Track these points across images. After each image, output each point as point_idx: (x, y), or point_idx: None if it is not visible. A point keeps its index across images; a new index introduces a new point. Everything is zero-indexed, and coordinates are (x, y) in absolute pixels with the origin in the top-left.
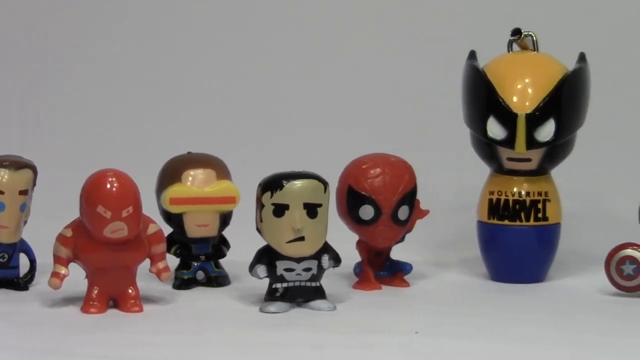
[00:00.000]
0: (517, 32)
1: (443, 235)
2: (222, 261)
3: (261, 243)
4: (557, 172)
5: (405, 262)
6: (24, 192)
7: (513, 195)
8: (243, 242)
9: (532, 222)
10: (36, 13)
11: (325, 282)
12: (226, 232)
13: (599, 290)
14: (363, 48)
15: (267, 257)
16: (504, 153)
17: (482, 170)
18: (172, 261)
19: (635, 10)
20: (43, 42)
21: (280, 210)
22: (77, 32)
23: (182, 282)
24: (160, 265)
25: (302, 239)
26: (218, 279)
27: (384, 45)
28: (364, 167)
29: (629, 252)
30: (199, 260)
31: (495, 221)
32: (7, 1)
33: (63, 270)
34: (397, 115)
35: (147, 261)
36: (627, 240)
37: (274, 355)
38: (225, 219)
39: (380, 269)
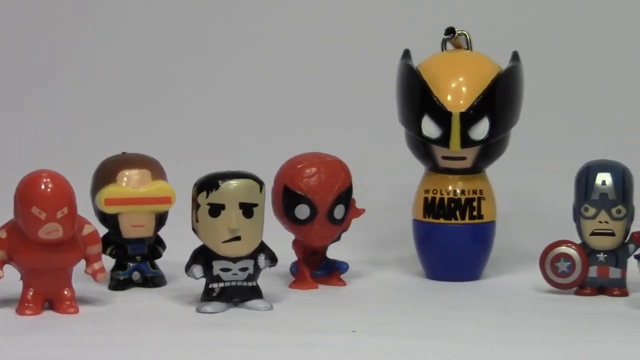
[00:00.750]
0: (450, 31)
1: (379, 234)
2: (158, 261)
3: (197, 243)
4: (492, 171)
5: (342, 261)
6: None
7: (448, 193)
8: (179, 242)
9: (467, 220)
10: None
11: (262, 281)
12: (162, 233)
13: (534, 287)
14: (302, 45)
15: (203, 257)
16: (439, 152)
17: (417, 169)
18: (108, 262)
19: (566, 8)
20: None
21: (216, 210)
22: (7, 32)
23: (118, 283)
24: (96, 266)
25: (238, 238)
26: (154, 280)
27: (321, 43)
28: (299, 166)
29: (563, 249)
30: (134, 261)
31: (431, 220)
32: None
33: None
34: (333, 114)
35: (83, 262)
36: (562, 238)
37: (211, 356)
38: (160, 219)
39: (317, 268)
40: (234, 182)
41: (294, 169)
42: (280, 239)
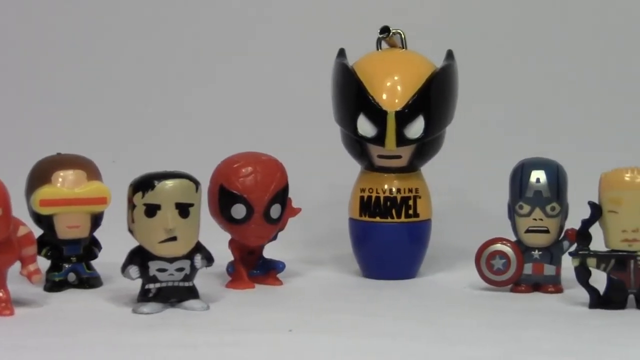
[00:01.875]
0: (385, 29)
1: (315, 233)
2: (93, 262)
3: (133, 244)
4: (427, 169)
5: (278, 260)
6: None
7: (384, 192)
8: (114, 243)
9: (403, 219)
10: None
11: (198, 281)
12: (97, 233)
13: (470, 285)
14: (236, 44)
15: (139, 257)
16: (375, 150)
17: (353, 168)
18: (43, 263)
19: (498, 7)
20: None
21: (151, 210)
22: None
23: (54, 284)
24: (31, 267)
25: (174, 239)
26: (90, 281)
27: (255, 42)
28: (235, 166)
29: (498, 247)
30: (70, 262)
31: (367, 218)
32: None
33: None
34: (269, 113)
35: (18, 264)
36: (497, 236)
37: (147, 356)
38: (96, 220)
39: (253, 267)
40: (169, 182)
41: (230, 168)
42: (217, 239)
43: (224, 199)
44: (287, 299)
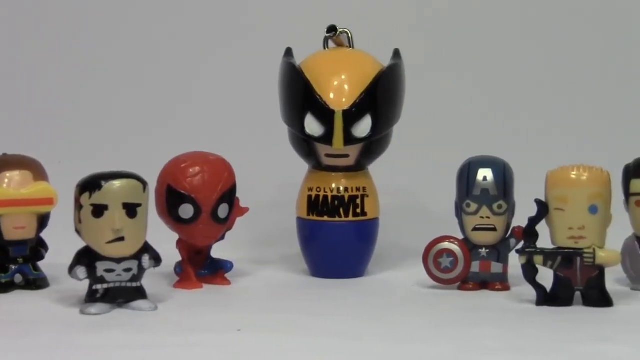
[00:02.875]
0: (332, 29)
1: (263, 233)
2: (40, 263)
3: (80, 244)
4: (375, 168)
5: (226, 260)
6: None
7: (332, 191)
8: (62, 243)
9: (351, 218)
10: None
11: (146, 282)
12: (44, 234)
13: (418, 283)
14: (182, 44)
15: (86, 258)
16: (322, 149)
17: (300, 167)
18: None
19: (443, 6)
20: None
21: (99, 210)
22: None
23: (0, 286)
24: None
25: (122, 239)
26: (37, 282)
27: (201, 42)
28: (182, 165)
29: (446, 245)
30: (16, 263)
31: (315, 217)
32: None
33: None
34: (216, 113)
35: None
36: (444, 234)
37: (96, 357)
38: (43, 221)
39: (201, 267)
40: (117, 183)
41: (178, 168)
42: (164, 239)
43: (171, 199)
44: (235, 298)
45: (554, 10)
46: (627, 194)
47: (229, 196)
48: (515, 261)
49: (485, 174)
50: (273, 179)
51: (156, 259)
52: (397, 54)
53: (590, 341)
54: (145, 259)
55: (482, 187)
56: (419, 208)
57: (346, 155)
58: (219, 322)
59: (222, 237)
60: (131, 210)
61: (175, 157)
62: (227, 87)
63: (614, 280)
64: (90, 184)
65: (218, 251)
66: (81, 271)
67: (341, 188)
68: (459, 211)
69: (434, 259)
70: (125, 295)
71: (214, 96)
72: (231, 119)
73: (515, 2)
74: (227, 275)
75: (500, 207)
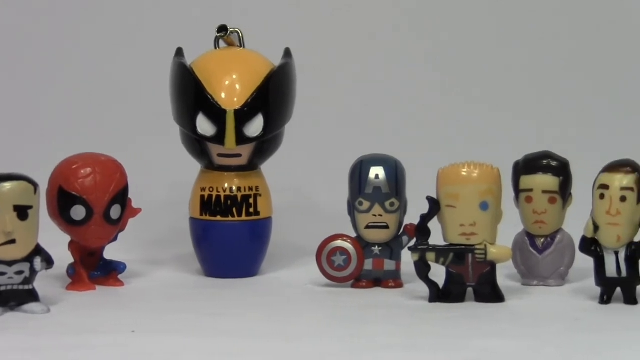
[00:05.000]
0: (223, 28)
1: (156, 233)
2: None
3: None
4: (267, 167)
5: (119, 261)
6: None
7: (224, 191)
8: None
9: (244, 217)
10: None
11: (38, 284)
12: None
13: (312, 281)
14: (76, 42)
15: None
16: (214, 149)
17: (192, 167)
18: None
19: (339, 4)
20: None
21: None
22: None
23: None
24: None
25: (13, 242)
26: None
27: (88, 40)
28: (74, 167)
29: (339, 243)
30: None
31: (208, 217)
32: None
33: None
34: (107, 113)
35: None
36: (337, 232)
37: None
38: None
39: (94, 269)
40: (7, 185)
41: (69, 169)
42: (56, 241)
43: (63, 201)
44: (129, 300)
45: None
46: (517, 190)
47: (121, 197)
48: (408, 258)
49: (377, 172)
50: (165, 179)
51: (48, 261)
52: (287, 53)
53: (482, 336)
54: (37, 262)
55: (374, 185)
56: (312, 207)
57: (238, 155)
58: (113, 324)
59: (115, 239)
60: (22, 212)
61: (66, 158)
62: (117, 87)
63: (505, 275)
64: None
65: (111, 252)
66: None
67: (234, 188)
68: (352, 209)
69: (327, 257)
70: (17, 298)
71: (103, 96)
72: (122, 119)
73: None
74: (120, 277)
75: (392, 204)
